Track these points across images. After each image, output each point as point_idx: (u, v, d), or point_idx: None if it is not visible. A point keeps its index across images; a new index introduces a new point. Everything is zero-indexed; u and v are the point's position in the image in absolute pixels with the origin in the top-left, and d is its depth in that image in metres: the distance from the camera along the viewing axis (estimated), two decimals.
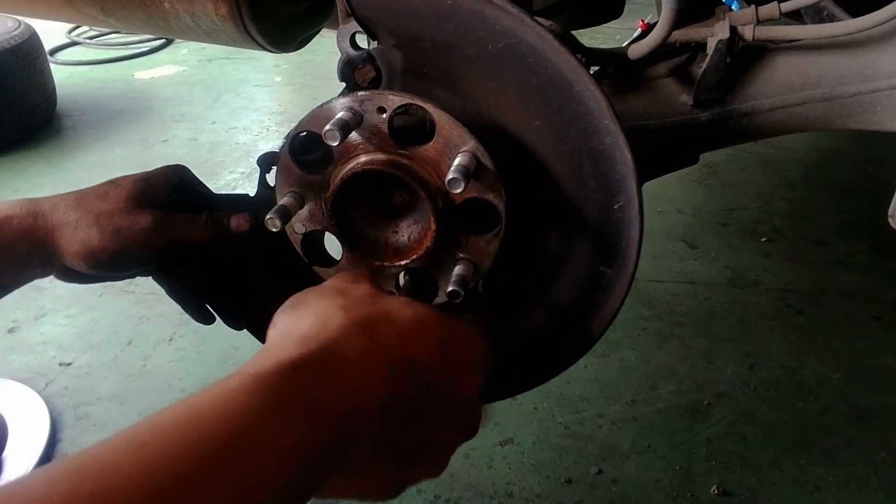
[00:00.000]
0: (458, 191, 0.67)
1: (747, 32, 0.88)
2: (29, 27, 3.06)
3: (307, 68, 3.96)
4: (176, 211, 0.87)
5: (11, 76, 2.90)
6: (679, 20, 0.86)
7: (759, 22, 0.89)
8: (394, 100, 0.72)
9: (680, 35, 0.94)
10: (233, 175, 2.78)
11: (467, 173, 0.68)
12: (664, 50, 0.94)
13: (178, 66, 4.08)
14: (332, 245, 0.83)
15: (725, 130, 0.95)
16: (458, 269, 0.77)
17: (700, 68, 0.91)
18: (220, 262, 0.92)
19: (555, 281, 0.82)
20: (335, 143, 0.69)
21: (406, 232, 0.79)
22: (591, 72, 0.99)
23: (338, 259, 0.84)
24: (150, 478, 0.42)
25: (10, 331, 1.92)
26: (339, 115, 0.71)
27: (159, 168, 0.92)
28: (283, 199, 0.77)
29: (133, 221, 0.83)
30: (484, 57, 0.72)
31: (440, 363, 0.63)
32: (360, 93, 0.73)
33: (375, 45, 0.78)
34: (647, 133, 0.96)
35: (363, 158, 0.74)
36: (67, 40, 4.39)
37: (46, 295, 2.03)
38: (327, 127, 0.68)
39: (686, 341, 1.83)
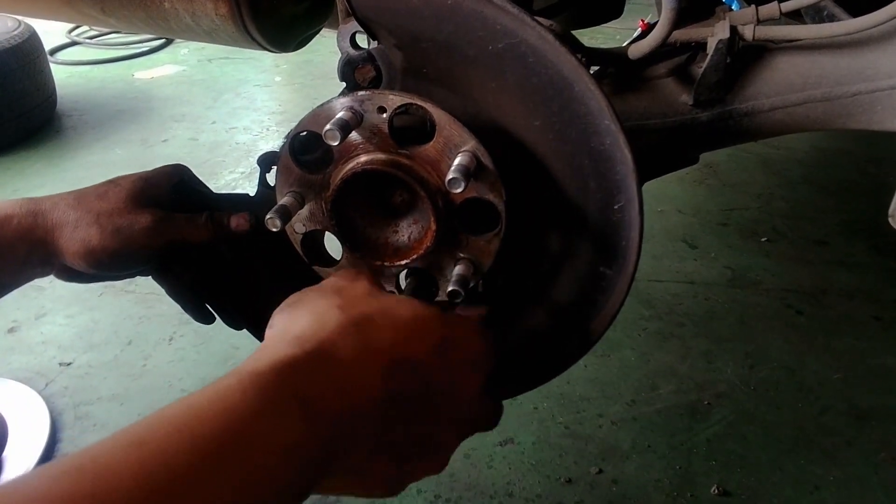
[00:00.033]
0: (459, 190, 0.67)
1: (747, 32, 0.88)
2: (29, 27, 3.06)
3: (307, 68, 3.96)
4: (176, 210, 0.87)
5: (11, 76, 2.90)
6: (679, 20, 0.86)
7: (759, 22, 0.89)
8: (394, 99, 0.72)
9: (680, 35, 0.94)
10: (233, 175, 2.78)
11: (467, 173, 0.68)
12: (664, 50, 0.94)
13: (178, 66, 4.08)
14: (333, 245, 0.83)
15: (726, 130, 0.95)
16: (458, 269, 0.77)
17: (700, 68, 0.91)
18: (220, 261, 0.92)
19: (555, 281, 0.82)
20: (335, 143, 0.69)
21: (406, 232, 0.79)
22: (592, 72, 0.99)
23: (338, 259, 0.84)
24: (148, 477, 0.42)
25: (10, 331, 1.92)
26: (340, 114, 0.71)
27: (159, 167, 0.92)
28: (284, 199, 0.77)
29: (133, 221, 0.83)
30: (484, 57, 0.72)
31: (439, 362, 0.63)
32: (361, 92, 0.73)
33: (376, 45, 0.78)
34: (647, 133, 0.96)
35: (363, 158, 0.74)
36: (67, 40, 4.39)
37: (46, 295, 2.03)
38: (327, 127, 0.68)
39: (686, 341, 1.83)
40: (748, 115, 0.93)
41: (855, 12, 0.88)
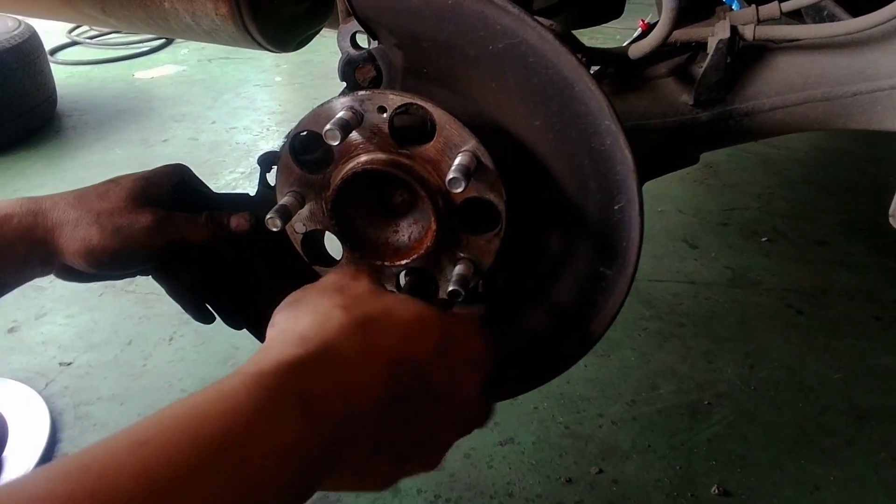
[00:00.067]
0: (459, 190, 0.67)
1: (748, 32, 0.88)
2: (29, 27, 3.06)
3: (307, 68, 3.96)
4: (176, 210, 0.87)
5: (11, 76, 2.90)
6: (679, 20, 0.86)
7: (759, 21, 0.89)
8: (394, 99, 0.72)
9: (680, 35, 0.94)
10: (233, 175, 2.78)
11: (468, 173, 0.68)
12: (665, 49, 0.93)
13: (178, 66, 4.08)
14: (333, 245, 0.83)
15: (726, 130, 0.95)
16: (458, 269, 0.77)
17: (700, 68, 0.91)
18: (220, 261, 0.92)
19: (555, 281, 0.82)
20: (336, 143, 0.69)
21: (406, 231, 0.79)
22: (592, 71, 0.99)
23: (338, 259, 0.84)
24: (150, 477, 0.42)
25: (11, 330, 1.92)
26: (340, 114, 0.71)
27: (160, 167, 0.92)
28: (284, 199, 0.77)
29: (133, 220, 0.83)
30: (485, 57, 0.72)
31: (439, 362, 0.63)
32: (361, 92, 0.73)
33: (376, 45, 0.78)
34: (647, 133, 0.96)
35: (364, 158, 0.74)
36: (68, 40, 4.39)
37: (47, 294, 2.03)
38: (328, 126, 0.68)
39: (686, 341, 1.83)
40: (748, 114, 0.93)
41: (855, 12, 0.88)
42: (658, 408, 1.61)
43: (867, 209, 2.41)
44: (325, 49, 3.46)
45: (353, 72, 0.79)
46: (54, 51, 4.18)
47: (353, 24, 0.77)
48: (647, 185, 0.82)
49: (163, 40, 4.35)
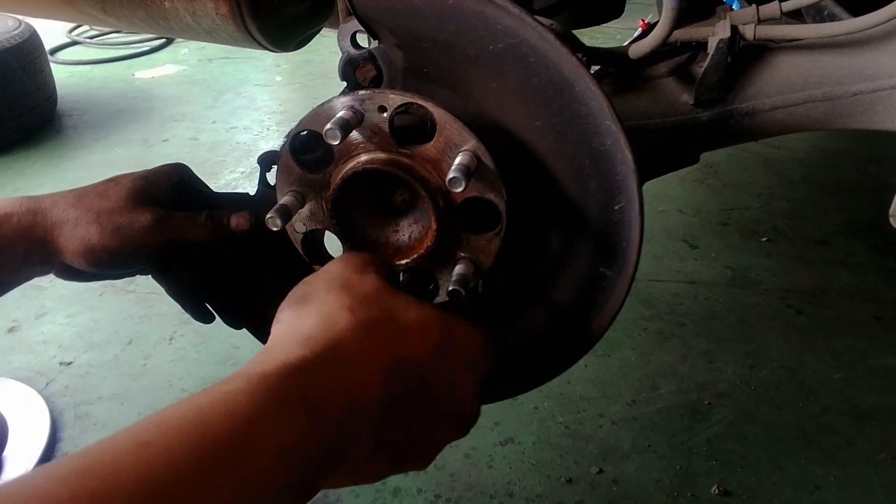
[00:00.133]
0: (459, 190, 0.67)
1: (748, 32, 0.88)
2: (29, 26, 3.06)
3: (307, 68, 3.95)
4: (176, 209, 0.87)
5: (11, 76, 2.89)
6: (680, 19, 0.86)
7: (760, 21, 0.89)
8: (395, 99, 0.72)
9: (681, 34, 0.94)
10: (233, 174, 2.78)
11: (468, 172, 0.68)
12: (665, 49, 0.93)
13: (178, 66, 4.08)
14: (333, 244, 0.83)
15: (726, 130, 0.95)
16: (458, 269, 0.77)
17: (701, 68, 0.91)
18: (219, 261, 0.92)
19: (555, 281, 0.82)
20: (336, 142, 0.69)
21: (407, 231, 0.79)
22: (592, 71, 0.99)
23: None
24: (151, 477, 0.42)
25: (11, 330, 1.92)
26: (340, 113, 0.71)
27: (160, 166, 0.92)
28: (284, 198, 0.77)
29: (133, 219, 0.83)
30: (485, 57, 0.72)
31: (439, 362, 0.63)
32: (361, 92, 0.73)
33: (376, 45, 0.78)
34: (647, 133, 0.96)
35: (364, 157, 0.74)
36: (68, 40, 4.39)
37: (47, 294, 2.03)
38: (328, 126, 0.68)
39: (686, 341, 1.83)
40: (749, 114, 0.93)
41: (855, 12, 0.88)
42: (658, 408, 1.61)
43: (868, 209, 2.41)
44: (326, 49, 3.47)
45: (354, 71, 0.79)
46: (54, 50, 4.17)
47: (354, 24, 0.77)
48: (647, 185, 0.82)
49: (163, 40, 4.35)
